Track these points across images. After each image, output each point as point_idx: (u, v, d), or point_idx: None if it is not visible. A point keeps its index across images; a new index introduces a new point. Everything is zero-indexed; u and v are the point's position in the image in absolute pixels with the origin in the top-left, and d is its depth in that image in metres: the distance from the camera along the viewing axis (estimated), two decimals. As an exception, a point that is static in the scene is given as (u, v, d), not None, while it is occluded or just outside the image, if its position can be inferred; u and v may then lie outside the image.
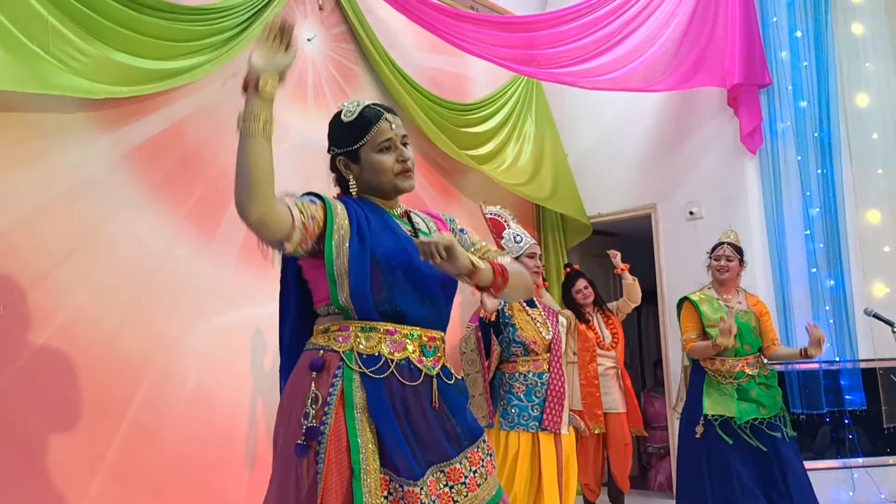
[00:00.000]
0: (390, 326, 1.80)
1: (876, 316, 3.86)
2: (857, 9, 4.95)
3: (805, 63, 4.84)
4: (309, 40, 4.18)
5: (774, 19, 4.94)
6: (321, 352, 1.78)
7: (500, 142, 5.25)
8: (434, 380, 1.81)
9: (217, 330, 3.58)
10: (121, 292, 3.25)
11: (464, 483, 1.77)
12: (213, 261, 3.60)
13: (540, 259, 3.65)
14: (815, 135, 4.76)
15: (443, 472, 1.76)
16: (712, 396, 3.83)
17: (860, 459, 4.49)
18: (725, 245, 3.94)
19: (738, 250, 3.96)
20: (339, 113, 1.89)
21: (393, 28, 4.66)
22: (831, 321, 4.59)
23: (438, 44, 4.72)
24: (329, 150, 1.91)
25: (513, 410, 3.24)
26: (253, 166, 1.57)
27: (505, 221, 3.59)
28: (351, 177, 1.88)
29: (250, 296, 3.70)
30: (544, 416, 3.22)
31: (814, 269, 4.66)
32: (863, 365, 4.56)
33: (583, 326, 4.62)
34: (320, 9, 4.27)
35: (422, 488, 1.68)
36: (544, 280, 5.58)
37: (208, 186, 3.61)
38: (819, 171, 4.74)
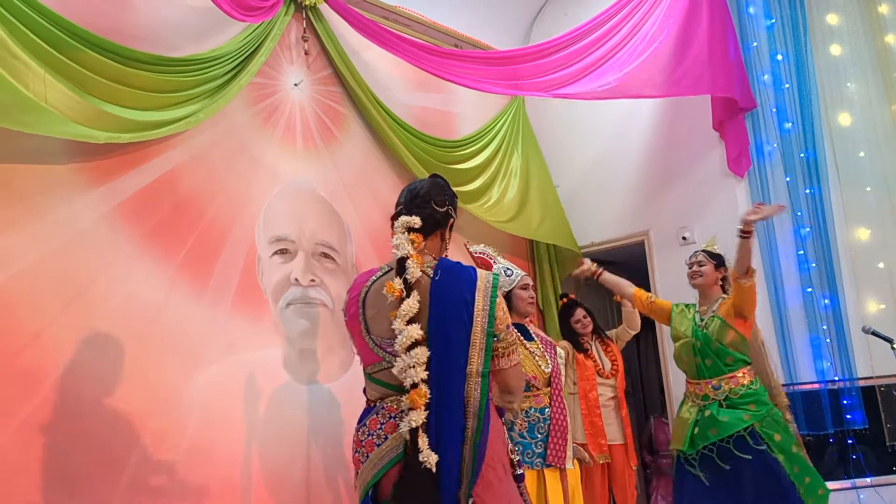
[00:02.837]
0: None
1: (875, 333, 3.83)
2: (835, 30, 5.03)
3: (787, 85, 4.90)
4: (296, 85, 4.22)
5: (755, 44, 5.01)
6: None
7: (488, 177, 5.24)
8: None
9: (214, 379, 3.54)
10: (116, 346, 3.22)
11: None
12: (207, 309, 3.58)
13: (533, 289, 3.65)
14: (802, 155, 4.81)
15: None
16: (676, 427, 3.80)
17: (868, 479, 4.45)
18: (699, 252, 3.93)
19: (714, 256, 3.89)
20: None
21: (378, 70, 4.70)
22: (827, 340, 4.58)
23: (424, 83, 4.75)
24: (448, 212, 2.29)
25: (516, 449, 3.21)
26: None
27: (491, 258, 3.60)
28: (448, 239, 2.31)
29: (245, 342, 3.69)
30: (548, 452, 3.20)
31: (809, 289, 4.67)
32: (862, 383, 4.53)
33: (581, 356, 4.59)
34: (306, 53, 4.31)
35: None
36: (540, 311, 5.60)
37: (201, 234, 3.61)
38: (807, 190, 4.78)
